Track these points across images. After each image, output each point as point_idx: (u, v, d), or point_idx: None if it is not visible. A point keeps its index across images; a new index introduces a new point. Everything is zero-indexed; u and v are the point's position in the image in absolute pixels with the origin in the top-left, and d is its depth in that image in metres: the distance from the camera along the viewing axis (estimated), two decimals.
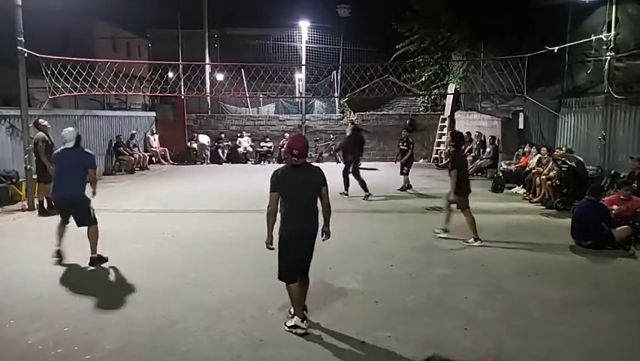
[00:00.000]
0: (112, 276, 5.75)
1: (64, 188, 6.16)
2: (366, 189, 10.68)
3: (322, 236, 4.43)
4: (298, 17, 20.89)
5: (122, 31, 28.91)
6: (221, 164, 17.94)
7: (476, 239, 7.04)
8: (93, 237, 6.18)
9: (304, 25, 20.42)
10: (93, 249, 6.16)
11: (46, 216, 9.11)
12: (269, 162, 17.99)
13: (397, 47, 20.93)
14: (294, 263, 4.30)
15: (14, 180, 10.32)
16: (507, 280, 5.61)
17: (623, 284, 5.58)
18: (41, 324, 4.40)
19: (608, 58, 10.62)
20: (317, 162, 18.41)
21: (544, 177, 10.08)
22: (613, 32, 10.55)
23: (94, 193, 6.45)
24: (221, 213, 9.49)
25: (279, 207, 4.20)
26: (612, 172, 9.85)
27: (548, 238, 7.47)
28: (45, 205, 9.29)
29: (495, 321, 4.54)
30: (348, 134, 11.65)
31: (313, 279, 5.57)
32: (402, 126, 19.23)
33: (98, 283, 5.48)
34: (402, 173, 12.08)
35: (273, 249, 4.28)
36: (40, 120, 9.60)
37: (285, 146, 4.42)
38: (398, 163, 12.19)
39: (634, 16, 10.26)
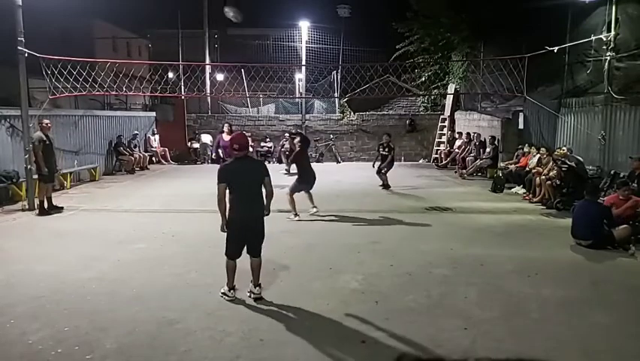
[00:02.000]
0: (112, 276, 5.75)
1: None
2: None
3: (265, 216, 5.13)
4: (298, 17, 20.91)
5: (122, 31, 28.91)
6: (221, 164, 17.92)
7: (296, 215, 8.56)
8: None
9: (304, 25, 20.43)
10: None
11: (46, 215, 9.13)
12: (269, 162, 17.98)
13: (397, 47, 20.93)
14: (239, 242, 4.96)
15: (14, 180, 10.33)
16: (507, 280, 5.62)
17: (623, 284, 5.57)
18: (41, 324, 4.40)
19: (608, 58, 10.62)
20: (317, 162, 18.43)
21: (544, 177, 10.08)
22: (613, 32, 10.55)
23: None
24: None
25: (227, 195, 4.85)
26: (612, 172, 9.86)
27: (548, 238, 7.47)
28: (45, 205, 9.30)
29: (495, 321, 4.54)
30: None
31: (313, 278, 5.61)
32: (402, 126, 19.32)
33: (98, 283, 5.48)
34: (380, 172, 12.25)
35: (226, 232, 4.94)
36: (45, 120, 9.64)
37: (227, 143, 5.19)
38: (376, 167, 12.41)
39: (634, 16, 10.26)
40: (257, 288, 4.99)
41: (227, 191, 4.85)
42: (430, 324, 4.46)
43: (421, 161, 18.80)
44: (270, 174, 5.11)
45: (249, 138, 6.12)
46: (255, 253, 5.02)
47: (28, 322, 4.45)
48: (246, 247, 5.00)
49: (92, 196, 11.37)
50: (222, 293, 5.03)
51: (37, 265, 6.14)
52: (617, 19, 10.52)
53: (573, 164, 9.67)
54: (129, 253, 6.67)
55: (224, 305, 4.86)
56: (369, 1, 27.10)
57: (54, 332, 4.25)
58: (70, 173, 12.71)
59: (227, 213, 4.87)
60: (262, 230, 5.04)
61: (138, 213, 9.47)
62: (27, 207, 9.55)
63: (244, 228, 4.93)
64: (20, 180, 10.28)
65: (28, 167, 9.59)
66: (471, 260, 6.34)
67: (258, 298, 4.93)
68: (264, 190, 5.07)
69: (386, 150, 12.20)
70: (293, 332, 4.28)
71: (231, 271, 4.99)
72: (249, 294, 5.00)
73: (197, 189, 12.13)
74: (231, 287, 5.01)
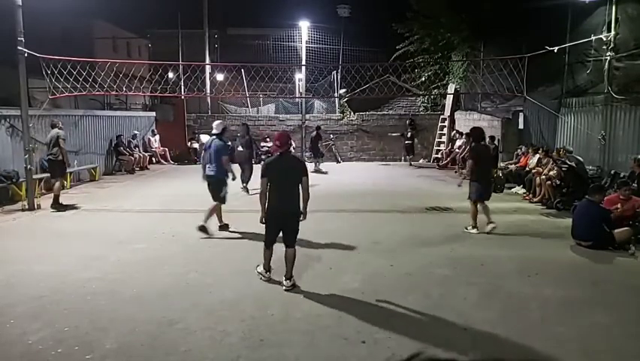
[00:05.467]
0: (112, 276, 5.74)
1: None
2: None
3: (300, 218, 5.36)
4: (298, 17, 20.90)
5: (122, 31, 28.94)
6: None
7: (474, 227, 7.82)
8: None
9: (304, 25, 20.42)
10: None
11: (62, 211, 9.37)
12: None
13: (397, 47, 20.93)
14: (273, 232, 5.36)
15: (14, 180, 10.33)
16: (507, 280, 5.61)
17: (623, 284, 5.57)
18: (42, 324, 4.40)
19: (608, 58, 10.62)
20: None
21: (544, 177, 10.08)
22: (613, 32, 10.55)
23: None
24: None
25: (267, 188, 5.23)
26: (612, 172, 9.85)
27: (548, 238, 7.47)
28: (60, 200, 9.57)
29: (495, 321, 4.54)
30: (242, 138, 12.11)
31: (313, 279, 5.61)
32: (402, 126, 19.31)
33: (98, 283, 5.48)
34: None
35: (264, 223, 5.29)
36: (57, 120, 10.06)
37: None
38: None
39: (634, 16, 10.26)
40: (287, 281, 5.29)
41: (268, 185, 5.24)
42: (430, 324, 4.46)
43: (421, 161, 18.79)
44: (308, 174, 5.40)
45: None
46: (289, 243, 5.35)
47: (28, 322, 4.45)
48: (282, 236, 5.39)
49: (92, 196, 11.37)
50: (259, 272, 5.51)
51: (37, 265, 6.13)
52: (617, 19, 10.52)
53: (573, 164, 9.67)
54: (129, 253, 6.67)
55: (224, 305, 4.86)
56: (369, 1, 27.13)
57: (54, 332, 4.25)
58: (70, 173, 12.70)
59: (266, 205, 5.26)
60: (297, 224, 5.35)
61: (138, 213, 9.47)
62: (27, 207, 9.55)
63: (277, 220, 5.29)
64: (20, 180, 10.28)
65: (28, 167, 9.60)
66: (471, 260, 6.34)
67: (290, 289, 5.24)
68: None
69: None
70: (293, 332, 4.28)
71: (267, 257, 5.44)
72: (283, 287, 5.29)
73: (197, 189, 12.12)
74: (267, 269, 5.46)
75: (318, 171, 15.55)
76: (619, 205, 7.26)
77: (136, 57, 30.89)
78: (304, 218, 5.36)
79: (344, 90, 20.14)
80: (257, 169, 11.59)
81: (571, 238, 7.09)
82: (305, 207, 5.33)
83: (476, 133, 8.08)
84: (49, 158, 9.75)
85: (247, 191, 11.16)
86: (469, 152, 8.20)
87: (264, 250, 5.45)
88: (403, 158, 18.55)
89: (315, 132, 16.64)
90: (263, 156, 17.24)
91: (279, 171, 5.26)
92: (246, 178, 11.38)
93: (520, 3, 13.73)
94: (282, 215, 5.26)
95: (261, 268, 5.53)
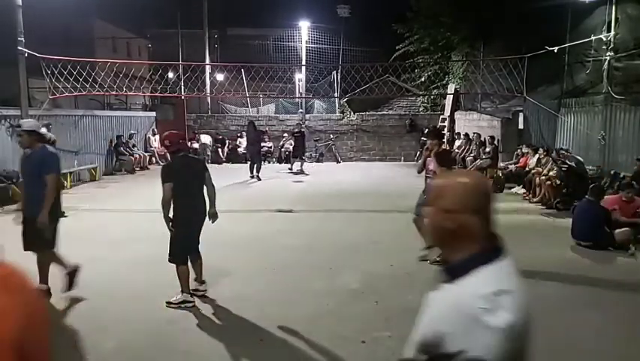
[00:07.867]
0: (112, 276, 5.75)
1: None
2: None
3: (210, 219, 4.95)
4: (298, 17, 20.94)
5: (122, 31, 28.95)
6: (220, 164, 17.94)
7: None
8: None
9: (304, 26, 20.44)
10: None
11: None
12: (269, 162, 17.97)
13: (397, 47, 20.94)
14: (195, 238, 4.91)
15: (14, 180, 10.33)
16: None
17: (623, 284, 5.58)
18: None
19: (608, 58, 10.63)
20: (317, 162, 18.42)
21: (544, 177, 10.08)
22: (612, 32, 10.56)
23: None
24: (221, 213, 9.48)
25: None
26: (612, 172, 9.85)
27: (548, 238, 7.47)
28: None
29: None
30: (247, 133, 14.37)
31: (313, 278, 5.61)
32: (402, 126, 19.34)
33: (98, 283, 5.48)
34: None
35: (172, 230, 4.72)
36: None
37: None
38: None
39: (633, 16, 10.28)
40: (204, 285, 5.10)
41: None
42: None
43: (420, 161, 18.83)
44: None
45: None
46: (198, 248, 5.02)
47: None
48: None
49: (92, 196, 11.37)
50: (178, 303, 4.73)
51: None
52: (616, 19, 10.53)
53: (573, 164, 9.67)
54: (129, 253, 6.67)
55: (224, 305, 4.85)
56: (369, 1, 27.13)
57: (54, 332, 4.24)
58: (70, 173, 12.70)
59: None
60: (201, 228, 4.97)
61: (138, 213, 9.47)
62: None
63: (199, 222, 4.92)
64: (20, 180, 10.27)
65: None
66: None
67: (205, 292, 5.04)
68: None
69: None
70: (293, 332, 4.28)
71: (187, 276, 4.85)
72: (196, 292, 4.97)
73: None
74: (189, 292, 4.81)
75: (300, 172, 15.05)
76: (616, 206, 7.25)
77: (136, 57, 30.91)
78: (216, 218, 5.00)
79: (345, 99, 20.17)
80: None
81: (571, 238, 7.09)
82: (214, 205, 4.95)
83: (438, 132, 6.55)
84: None
85: (259, 179, 13.16)
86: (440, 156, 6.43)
87: (180, 271, 4.76)
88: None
89: (298, 129, 15.46)
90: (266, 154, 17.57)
91: (184, 172, 4.77)
92: (256, 169, 13.34)
93: (520, 3, 13.74)
94: (202, 215, 4.88)
95: (180, 297, 4.74)
